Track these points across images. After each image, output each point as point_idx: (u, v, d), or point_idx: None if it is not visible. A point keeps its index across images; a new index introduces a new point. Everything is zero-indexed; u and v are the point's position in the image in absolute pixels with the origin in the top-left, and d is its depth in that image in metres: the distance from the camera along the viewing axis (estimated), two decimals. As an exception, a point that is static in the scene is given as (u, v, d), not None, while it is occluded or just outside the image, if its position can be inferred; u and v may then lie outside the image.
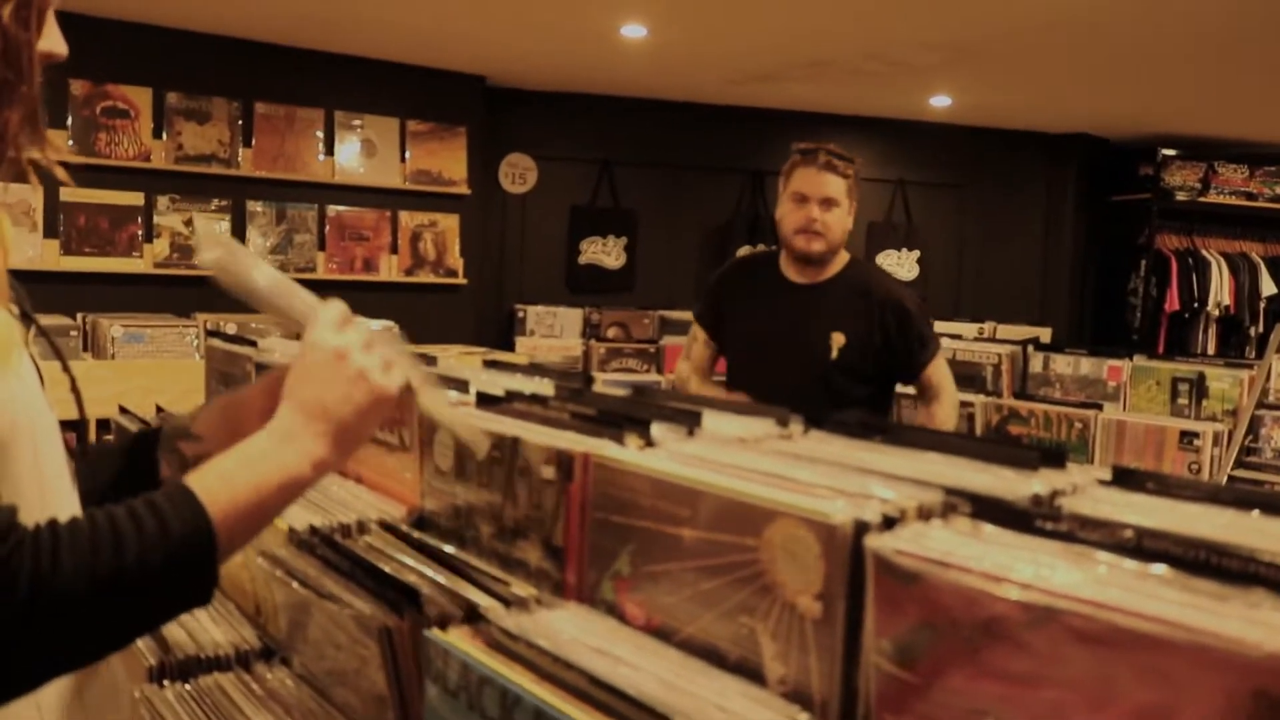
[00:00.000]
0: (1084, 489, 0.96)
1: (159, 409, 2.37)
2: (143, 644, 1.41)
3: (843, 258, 3.10)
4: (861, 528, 0.82)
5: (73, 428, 1.17)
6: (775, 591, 0.88)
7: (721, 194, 7.04)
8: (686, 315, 6.75)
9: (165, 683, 1.32)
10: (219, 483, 0.96)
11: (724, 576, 0.94)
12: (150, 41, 5.22)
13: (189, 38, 5.30)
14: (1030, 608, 0.70)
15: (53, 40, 1.01)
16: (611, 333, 6.73)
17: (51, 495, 1.00)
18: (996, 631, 0.72)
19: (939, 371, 3.07)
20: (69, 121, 5.05)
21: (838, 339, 2.99)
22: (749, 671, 0.92)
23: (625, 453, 1.10)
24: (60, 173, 1.03)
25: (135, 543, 0.89)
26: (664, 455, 1.09)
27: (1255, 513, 0.86)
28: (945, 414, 3.07)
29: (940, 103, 6.73)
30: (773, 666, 0.89)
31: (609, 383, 6.19)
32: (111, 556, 0.87)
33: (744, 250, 6.89)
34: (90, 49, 5.08)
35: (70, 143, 5.05)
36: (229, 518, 0.95)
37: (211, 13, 5.04)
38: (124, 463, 1.22)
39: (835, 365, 2.98)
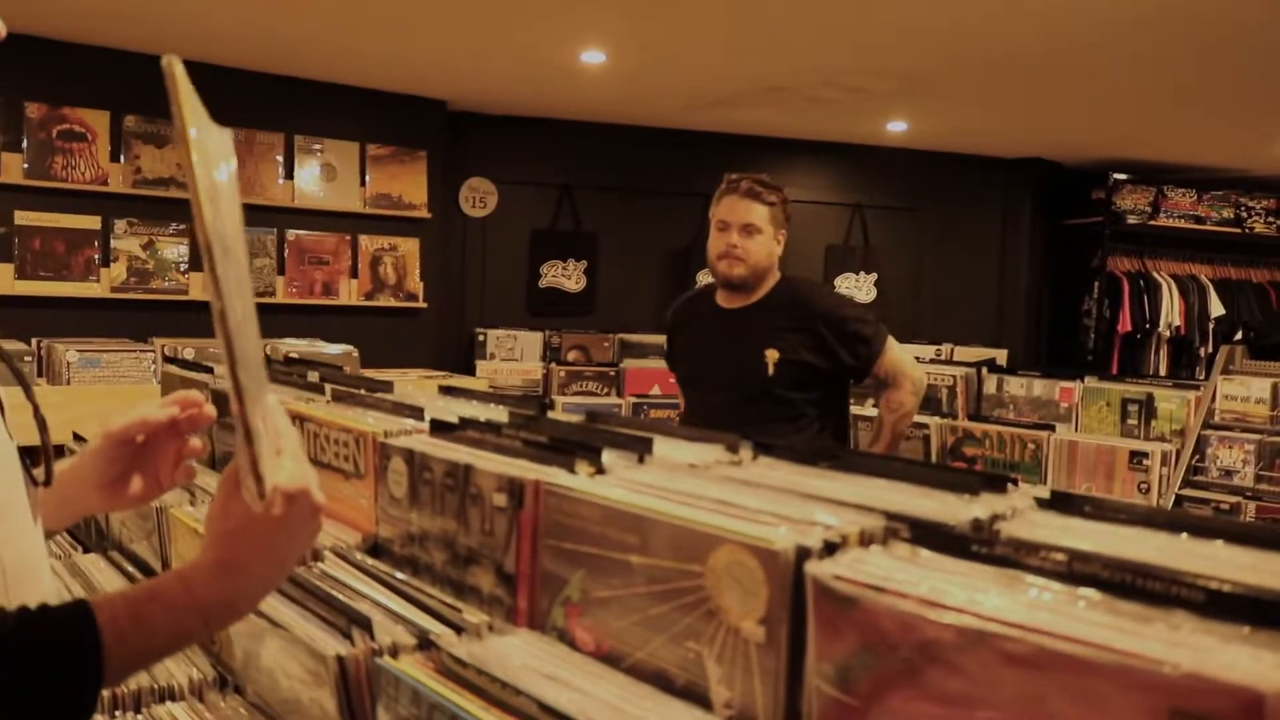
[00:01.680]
0: (1023, 513, 0.99)
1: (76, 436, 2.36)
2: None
3: (773, 278, 3.16)
4: (803, 554, 0.84)
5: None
6: (720, 617, 0.90)
7: (681, 218, 7.09)
8: (647, 338, 6.83)
9: (116, 714, 1.32)
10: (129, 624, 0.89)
11: (671, 602, 0.95)
12: (108, 65, 5.18)
13: (147, 61, 5.20)
14: (963, 631, 0.72)
15: None
16: (572, 356, 6.74)
17: (6, 523, 1.00)
18: (932, 655, 0.74)
19: (890, 359, 3.09)
20: (24, 144, 5.01)
21: (771, 355, 3.04)
22: (696, 696, 0.93)
23: (576, 480, 1.12)
24: None
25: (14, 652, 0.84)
26: (613, 483, 1.10)
27: (1184, 535, 0.89)
28: (902, 397, 3.10)
29: (897, 128, 6.82)
30: (718, 690, 0.91)
31: (569, 406, 6.23)
32: None
33: (703, 274, 6.94)
34: (47, 72, 5.08)
35: (25, 165, 5.01)
36: (119, 656, 0.88)
37: (172, 37, 5.02)
38: None
39: (774, 380, 3.04)
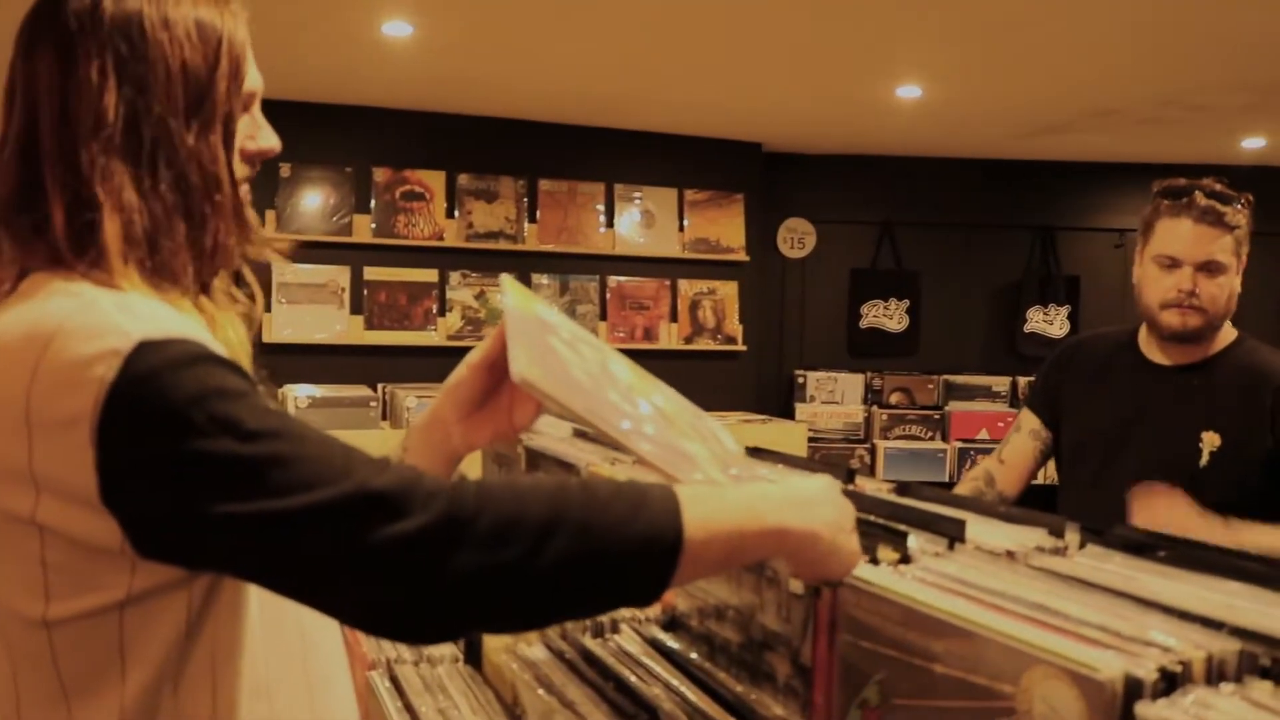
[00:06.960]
0: None
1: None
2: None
3: (1227, 334, 2.35)
4: (1134, 687, 0.72)
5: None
6: (1036, 749, 0.78)
7: (1009, 252, 6.75)
8: (974, 380, 6.55)
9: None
10: (703, 505, 0.96)
11: (979, 723, 0.84)
12: (443, 128, 5.55)
13: (478, 122, 5.59)
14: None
15: (263, 137, 1.06)
16: (894, 398, 6.55)
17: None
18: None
19: None
20: (371, 206, 5.40)
21: (1210, 440, 2.25)
22: (1009, 834, 0.82)
23: (875, 573, 1.03)
24: (276, 257, 1.06)
25: (607, 511, 0.92)
26: (917, 576, 1.00)
27: None
28: None
29: (1254, 145, 6.21)
30: (1035, 833, 0.79)
31: (891, 451, 6.04)
32: (581, 516, 0.91)
33: (1035, 312, 6.59)
34: (391, 139, 5.47)
35: (373, 225, 5.40)
36: (698, 542, 0.94)
37: (499, 98, 5.30)
38: None
39: (1205, 474, 2.23)
